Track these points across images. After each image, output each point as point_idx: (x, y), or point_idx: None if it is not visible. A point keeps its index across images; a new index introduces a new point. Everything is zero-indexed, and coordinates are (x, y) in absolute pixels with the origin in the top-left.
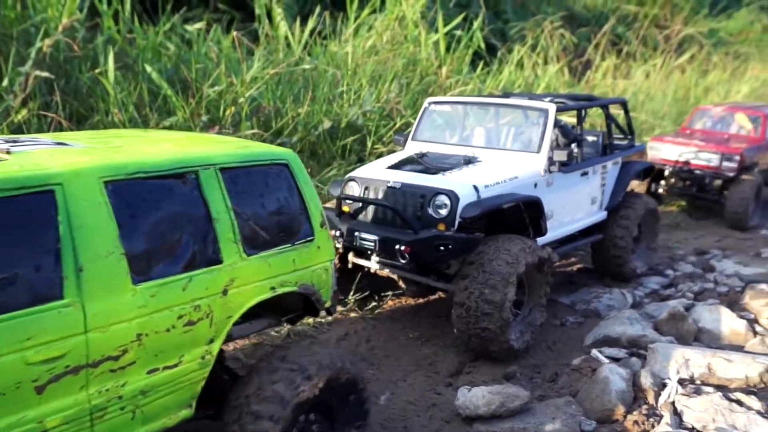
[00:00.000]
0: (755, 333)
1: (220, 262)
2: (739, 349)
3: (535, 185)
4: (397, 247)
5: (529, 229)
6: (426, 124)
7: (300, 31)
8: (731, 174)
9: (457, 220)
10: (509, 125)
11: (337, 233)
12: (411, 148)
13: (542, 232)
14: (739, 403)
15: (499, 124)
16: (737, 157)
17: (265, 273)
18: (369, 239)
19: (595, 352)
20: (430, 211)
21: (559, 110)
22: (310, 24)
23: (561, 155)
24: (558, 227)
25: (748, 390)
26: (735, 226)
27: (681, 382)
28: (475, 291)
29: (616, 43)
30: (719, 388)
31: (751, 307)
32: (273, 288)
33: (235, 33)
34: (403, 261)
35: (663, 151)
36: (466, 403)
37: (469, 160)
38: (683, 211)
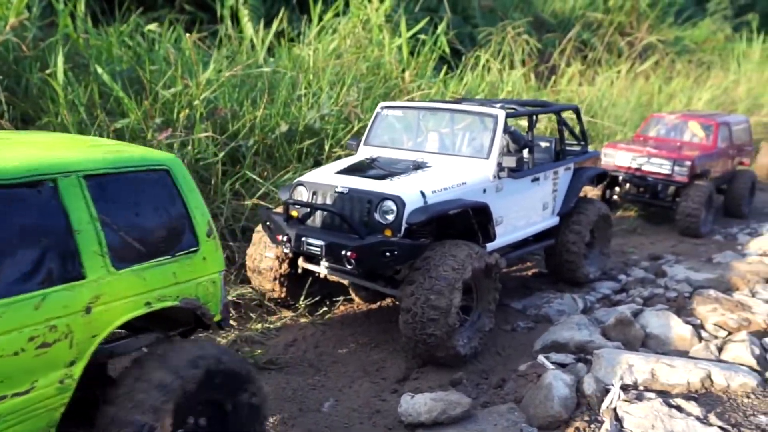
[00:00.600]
0: (700, 338)
1: (82, 277)
2: (684, 354)
3: (484, 191)
4: (343, 252)
5: (478, 234)
6: (378, 129)
7: (264, 33)
8: (683, 181)
9: (404, 225)
10: (460, 131)
11: (284, 238)
12: (363, 153)
13: (491, 237)
14: (679, 408)
15: (450, 130)
16: (688, 164)
17: (138, 287)
18: (316, 244)
19: (541, 357)
20: (377, 216)
21: (509, 116)
22: (275, 26)
23: (510, 161)
24: (508, 233)
25: (689, 396)
26: (687, 233)
27: (624, 387)
28: (421, 297)
29: (582, 49)
30: (661, 393)
31: (697, 312)
32: (149, 303)
33: (187, 35)
34: (349, 266)
35: (617, 157)
36: (409, 410)
37: (418, 166)
38: (640, 216)
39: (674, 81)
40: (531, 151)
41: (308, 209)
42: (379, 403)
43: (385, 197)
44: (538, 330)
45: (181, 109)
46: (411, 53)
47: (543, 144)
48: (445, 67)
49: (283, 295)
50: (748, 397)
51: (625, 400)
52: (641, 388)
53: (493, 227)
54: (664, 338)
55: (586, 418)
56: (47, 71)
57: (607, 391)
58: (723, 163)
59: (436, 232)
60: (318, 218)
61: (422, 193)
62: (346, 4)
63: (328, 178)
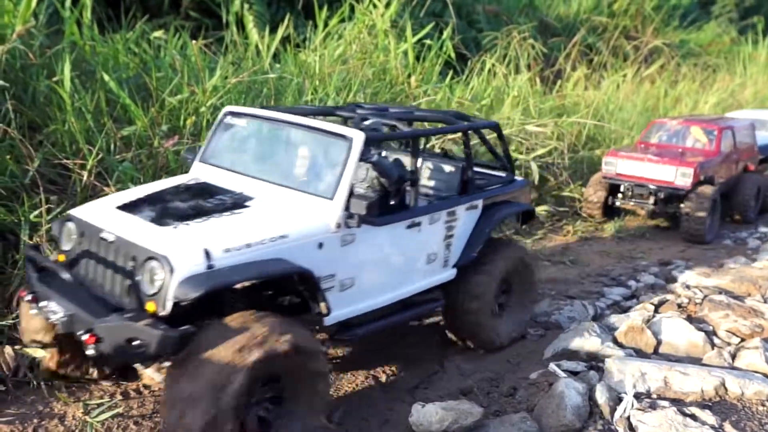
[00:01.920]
0: (713, 345)
1: None
2: (697, 361)
3: (321, 246)
4: (78, 332)
5: (311, 304)
6: (219, 142)
7: (270, 39)
8: (686, 188)
9: (169, 300)
10: (309, 155)
11: (29, 296)
12: (192, 173)
13: (322, 310)
14: (694, 417)
15: (297, 152)
16: (691, 171)
17: None
18: (57, 313)
19: (552, 365)
20: (143, 281)
21: (374, 140)
22: (280, 32)
23: (359, 206)
24: (364, 298)
25: (703, 404)
26: (692, 239)
27: (637, 396)
28: (175, 410)
29: (587, 53)
30: (675, 402)
31: (709, 319)
32: None
33: (194, 42)
34: (89, 353)
35: (618, 165)
36: (420, 420)
37: (236, 204)
38: (648, 222)
39: (680, 84)
40: (414, 186)
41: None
42: (389, 413)
43: (150, 256)
44: (548, 337)
45: (188, 116)
46: (417, 58)
47: (447, 169)
48: (451, 72)
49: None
50: (763, 405)
51: (639, 409)
52: (654, 396)
53: (323, 297)
54: (676, 345)
55: (600, 427)
56: (54, 79)
57: (620, 399)
58: (727, 169)
59: (249, 299)
60: (86, 271)
61: (207, 253)
62: (352, 10)
63: (101, 216)
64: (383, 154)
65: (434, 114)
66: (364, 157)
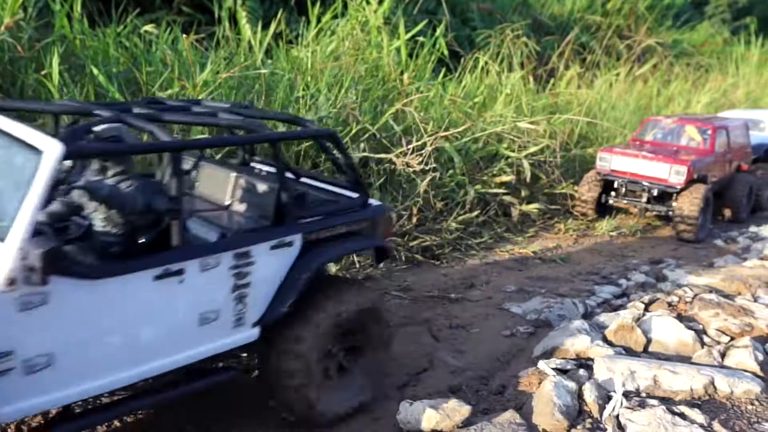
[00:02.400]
0: (703, 344)
1: None
2: (686, 360)
3: None
4: None
5: None
6: None
7: (263, 35)
8: (679, 186)
9: None
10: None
11: None
12: None
13: None
14: (683, 416)
15: None
16: (685, 170)
17: None
18: None
19: (542, 363)
20: None
21: (81, 154)
22: (272, 28)
23: (34, 255)
24: (75, 382)
25: (692, 403)
26: (684, 238)
27: (626, 394)
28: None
29: (581, 52)
30: (664, 400)
31: (699, 317)
32: None
33: (184, 36)
34: None
35: (613, 162)
36: (408, 418)
37: None
38: (639, 220)
39: (672, 84)
40: (177, 218)
41: None
42: (378, 410)
43: None
44: (537, 335)
45: None
46: (410, 55)
47: (261, 190)
48: (444, 70)
49: None
50: (752, 404)
51: (628, 407)
52: (644, 394)
53: None
54: (666, 344)
55: (588, 425)
56: (42, 72)
57: (609, 398)
58: (720, 168)
59: None
60: None
61: None
62: (345, 6)
63: None
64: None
65: (218, 118)
66: (63, 179)
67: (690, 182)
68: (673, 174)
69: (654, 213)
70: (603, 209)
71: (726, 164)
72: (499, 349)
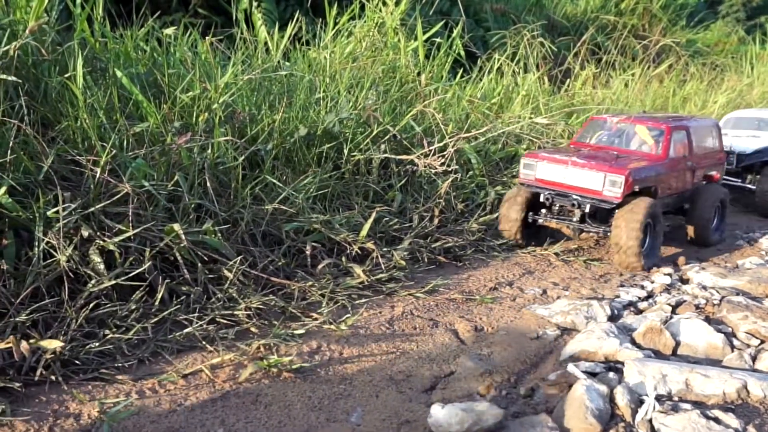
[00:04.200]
0: (732, 347)
1: None
2: (716, 363)
3: None
4: None
5: None
6: None
7: (279, 37)
8: (615, 200)
9: None
10: None
11: None
12: None
13: None
14: (717, 420)
15: None
16: (622, 180)
17: None
18: None
19: (571, 366)
20: None
21: None
22: (289, 29)
23: None
24: None
25: (725, 407)
26: (624, 263)
27: (658, 398)
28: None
29: (596, 52)
30: (697, 404)
31: (728, 320)
32: None
33: (207, 38)
34: None
35: (538, 169)
36: (439, 421)
37: None
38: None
39: (688, 84)
40: None
41: None
42: (407, 414)
43: None
44: (564, 338)
45: (200, 112)
46: (426, 56)
47: None
48: (461, 71)
49: None
50: None
51: (661, 412)
52: (676, 398)
53: None
54: (695, 347)
55: (621, 430)
56: (66, 75)
57: (642, 401)
58: (678, 178)
59: None
60: None
61: None
62: (362, 8)
63: None
64: None
65: None
66: None
67: (630, 195)
68: (608, 185)
69: (592, 235)
70: (533, 230)
71: (686, 173)
72: (525, 352)
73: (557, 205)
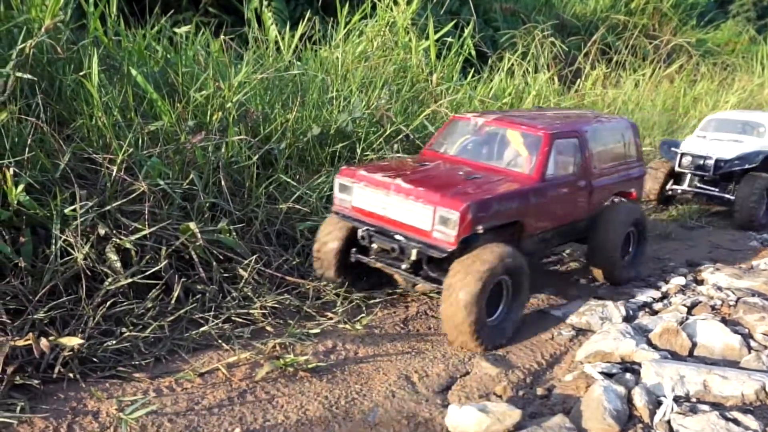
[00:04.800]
0: (750, 348)
1: None
2: (734, 364)
3: None
4: None
5: None
6: None
7: (290, 36)
8: (448, 247)
9: None
10: None
11: None
12: None
13: None
14: (736, 422)
15: None
16: (456, 217)
17: None
18: None
19: (588, 367)
20: None
21: None
22: (300, 29)
23: None
24: None
25: (744, 408)
26: (457, 341)
27: (676, 399)
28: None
29: (606, 52)
30: (715, 406)
31: (744, 321)
32: None
33: (221, 37)
34: None
35: (355, 194)
36: (457, 421)
37: None
38: (674, 220)
39: (699, 84)
40: None
41: None
42: (425, 413)
43: None
44: (579, 338)
45: (214, 111)
46: (437, 56)
47: None
48: (472, 71)
49: None
50: None
51: (679, 413)
52: (694, 400)
53: None
54: (712, 348)
55: (640, 431)
56: (81, 73)
57: (659, 402)
58: (564, 205)
59: None
60: None
61: None
62: (373, 7)
63: None
64: None
65: None
66: None
67: (468, 239)
68: (438, 223)
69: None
70: (356, 272)
71: (579, 197)
72: (541, 353)
73: (369, 242)
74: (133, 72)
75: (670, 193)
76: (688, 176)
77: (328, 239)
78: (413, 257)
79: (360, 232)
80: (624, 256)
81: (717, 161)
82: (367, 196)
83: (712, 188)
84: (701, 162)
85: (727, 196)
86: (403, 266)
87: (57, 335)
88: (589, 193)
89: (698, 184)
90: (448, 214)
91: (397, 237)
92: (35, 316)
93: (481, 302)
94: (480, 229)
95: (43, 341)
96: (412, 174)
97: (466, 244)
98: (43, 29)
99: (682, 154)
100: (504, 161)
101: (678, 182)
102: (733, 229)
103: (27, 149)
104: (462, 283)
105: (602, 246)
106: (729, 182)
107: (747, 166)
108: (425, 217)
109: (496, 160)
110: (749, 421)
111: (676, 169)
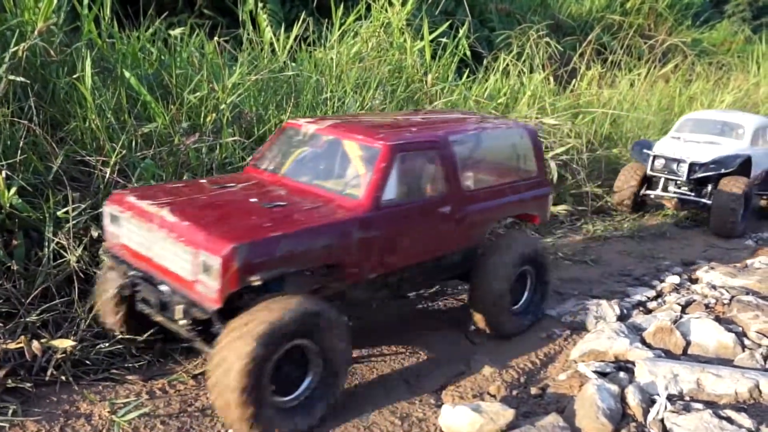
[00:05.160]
0: (743, 347)
1: None
2: (727, 363)
3: None
4: None
5: None
6: None
7: (285, 37)
8: (211, 305)
9: None
10: None
11: None
12: None
13: None
14: (730, 420)
15: None
16: (218, 264)
17: None
18: None
19: (582, 366)
20: None
21: None
22: (295, 30)
23: None
24: None
25: (737, 406)
26: (228, 418)
27: (670, 398)
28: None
29: (602, 52)
30: (708, 404)
31: (738, 320)
32: None
33: (215, 39)
34: None
35: (124, 227)
36: (450, 421)
37: None
38: (668, 220)
39: (694, 84)
40: None
41: None
42: (419, 413)
43: None
44: (574, 337)
45: (208, 113)
46: (432, 57)
47: None
48: (467, 71)
49: None
50: None
51: (673, 411)
52: (687, 398)
53: None
54: (706, 346)
55: (633, 429)
56: (74, 76)
57: (653, 401)
58: (416, 239)
59: None
60: None
61: None
62: (368, 8)
63: None
64: None
65: None
66: None
67: (237, 296)
68: (202, 272)
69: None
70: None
71: (442, 227)
72: (535, 352)
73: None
74: (127, 74)
75: (642, 198)
76: (662, 180)
77: (107, 287)
78: (179, 316)
79: (125, 279)
80: (515, 302)
81: (691, 165)
82: (132, 230)
83: (689, 193)
84: (674, 165)
85: (703, 200)
86: (182, 322)
87: (49, 338)
88: (459, 221)
89: (673, 189)
90: (210, 259)
91: (162, 288)
92: (27, 319)
93: (247, 378)
94: (256, 280)
95: (36, 344)
96: (192, 202)
97: (267, 292)
98: (36, 32)
99: (655, 157)
100: (341, 182)
101: (651, 186)
102: (710, 235)
103: (19, 152)
104: (230, 351)
105: (483, 292)
106: (704, 186)
107: (723, 171)
108: (186, 263)
109: (332, 179)
110: (742, 419)
111: (648, 172)
